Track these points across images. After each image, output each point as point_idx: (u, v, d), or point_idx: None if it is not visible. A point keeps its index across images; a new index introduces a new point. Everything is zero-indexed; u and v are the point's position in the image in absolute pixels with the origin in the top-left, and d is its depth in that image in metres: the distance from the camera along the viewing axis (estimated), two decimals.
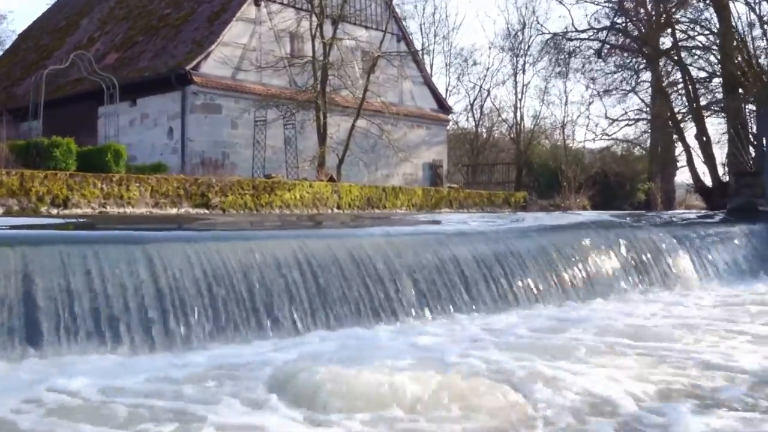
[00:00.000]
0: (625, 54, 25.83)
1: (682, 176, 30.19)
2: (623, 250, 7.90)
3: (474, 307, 5.97)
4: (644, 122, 31.01)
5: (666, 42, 24.55)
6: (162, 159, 17.34)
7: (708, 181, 24.27)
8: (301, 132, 19.10)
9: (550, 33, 27.08)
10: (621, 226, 8.82)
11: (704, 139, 23.09)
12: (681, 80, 24.63)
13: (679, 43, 23.11)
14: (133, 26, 23.34)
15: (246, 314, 5.05)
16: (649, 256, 8.14)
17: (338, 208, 15.70)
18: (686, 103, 25.15)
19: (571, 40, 25.51)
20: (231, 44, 19.29)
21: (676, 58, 23.39)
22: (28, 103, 23.49)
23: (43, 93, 13.84)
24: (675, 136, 30.79)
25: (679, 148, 32.43)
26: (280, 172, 16.94)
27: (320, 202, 15.32)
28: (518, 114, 33.22)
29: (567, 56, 26.18)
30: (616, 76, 26.60)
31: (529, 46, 32.17)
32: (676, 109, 25.75)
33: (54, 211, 11.59)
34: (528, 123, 34.30)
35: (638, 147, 31.38)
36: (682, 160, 33.68)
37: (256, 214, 13.64)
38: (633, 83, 28.39)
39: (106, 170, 12.51)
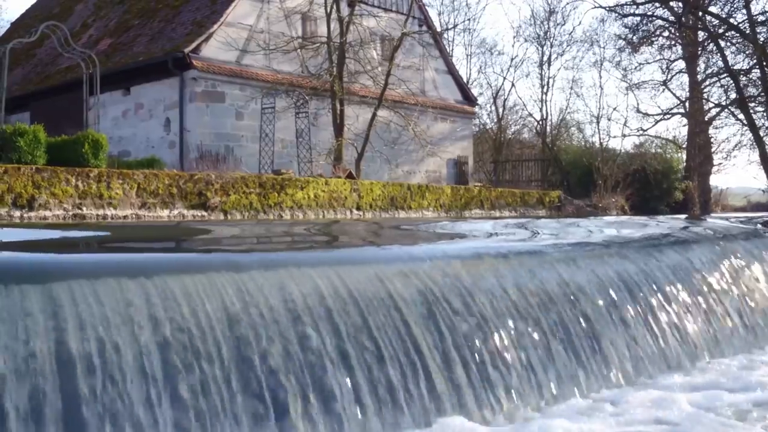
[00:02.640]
0: (668, 36, 23.51)
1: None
2: None
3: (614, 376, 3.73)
4: (679, 116, 28.82)
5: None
6: (158, 154, 15.22)
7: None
8: (315, 123, 16.92)
9: (605, 7, 24.75)
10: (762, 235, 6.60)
11: None
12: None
13: (754, 16, 20.66)
14: (129, 10, 21.26)
15: None
16: None
17: (358, 209, 13.55)
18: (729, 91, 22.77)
19: (625, 15, 23.13)
20: (235, 25, 17.14)
21: (747, 31, 20.80)
22: (18, 94, 21.62)
23: (5, 71, 11.69)
24: (713, 129, 28.44)
25: (715, 145, 30.17)
26: (291, 168, 14.77)
27: (337, 203, 13.18)
28: (545, 108, 30.98)
29: (631, 31, 23.79)
30: (654, 65, 24.42)
31: (562, 26, 29.88)
32: (722, 99, 23.43)
33: (17, 214, 9.54)
34: (555, 117, 32.08)
35: (673, 144, 29.16)
36: (717, 158, 31.42)
37: (263, 217, 11.51)
38: (673, 72, 26.24)
39: (83, 164, 10.40)
